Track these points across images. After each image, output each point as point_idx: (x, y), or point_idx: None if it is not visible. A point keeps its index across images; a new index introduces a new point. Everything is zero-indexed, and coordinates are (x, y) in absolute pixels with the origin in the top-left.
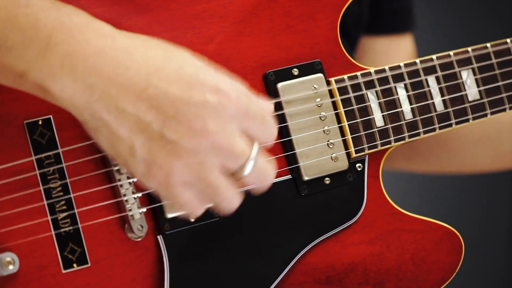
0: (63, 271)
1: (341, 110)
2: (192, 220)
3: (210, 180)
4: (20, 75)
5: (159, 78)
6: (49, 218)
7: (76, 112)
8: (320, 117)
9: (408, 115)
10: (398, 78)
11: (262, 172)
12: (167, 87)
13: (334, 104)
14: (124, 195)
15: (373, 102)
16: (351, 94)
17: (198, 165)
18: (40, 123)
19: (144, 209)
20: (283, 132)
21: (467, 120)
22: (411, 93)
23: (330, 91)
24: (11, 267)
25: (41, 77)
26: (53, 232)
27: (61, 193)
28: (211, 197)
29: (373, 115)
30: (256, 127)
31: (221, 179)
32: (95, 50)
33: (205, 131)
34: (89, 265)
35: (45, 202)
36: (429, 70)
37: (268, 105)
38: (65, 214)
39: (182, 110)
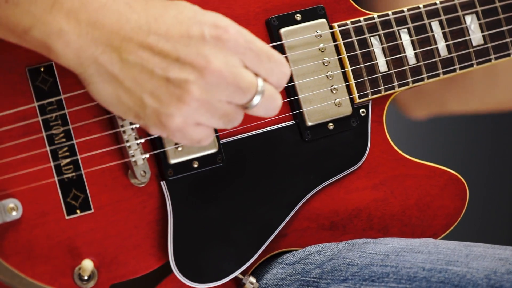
0: (67, 217)
1: (344, 55)
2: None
3: (220, 113)
4: (25, 31)
5: (158, 25)
6: (52, 164)
7: (81, 69)
8: (323, 62)
9: (412, 60)
10: (402, 22)
11: (269, 104)
12: (167, 32)
13: (337, 49)
14: (127, 141)
15: (377, 47)
16: (354, 38)
17: (208, 104)
18: (42, 69)
19: (147, 155)
20: None
21: (471, 65)
22: (414, 38)
23: (333, 36)
24: (14, 213)
25: (46, 33)
26: (56, 178)
27: (64, 139)
28: (222, 125)
29: (376, 60)
30: (262, 65)
31: (229, 108)
32: (98, 5)
33: (209, 67)
34: (92, 211)
35: (48, 148)
36: (433, 15)
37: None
38: (68, 160)
39: (184, 51)
